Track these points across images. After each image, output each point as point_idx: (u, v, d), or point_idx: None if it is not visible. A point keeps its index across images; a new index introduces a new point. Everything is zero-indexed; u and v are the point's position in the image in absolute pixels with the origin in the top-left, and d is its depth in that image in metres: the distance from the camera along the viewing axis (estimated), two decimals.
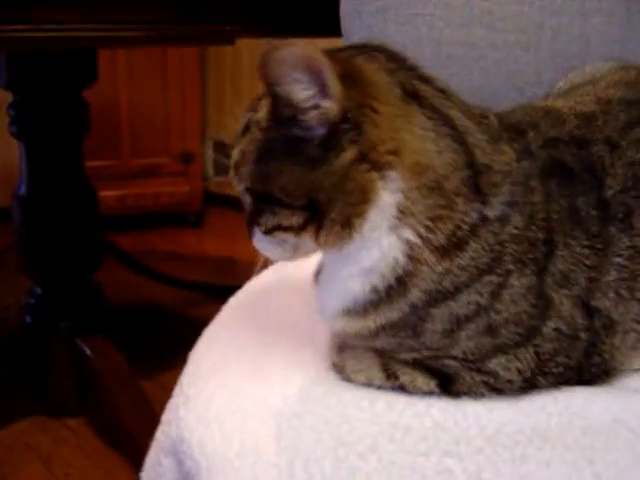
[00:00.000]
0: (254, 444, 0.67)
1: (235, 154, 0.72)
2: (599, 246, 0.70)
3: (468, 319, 0.68)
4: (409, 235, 0.66)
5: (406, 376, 0.72)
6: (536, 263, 0.68)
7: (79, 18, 1.37)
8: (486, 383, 0.70)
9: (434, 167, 0.66)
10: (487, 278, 0.67)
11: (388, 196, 0.66)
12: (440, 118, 0.68)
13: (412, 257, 0.67)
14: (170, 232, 3.59)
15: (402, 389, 0.73)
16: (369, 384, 0.74)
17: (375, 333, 0.71)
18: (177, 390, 0.82)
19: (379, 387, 0.73)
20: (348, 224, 0.66)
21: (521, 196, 0.69)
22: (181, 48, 3.44)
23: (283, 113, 0.66)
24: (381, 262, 0.68)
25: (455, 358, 0.70)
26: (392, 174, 0.65)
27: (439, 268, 0.67)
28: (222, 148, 3.79)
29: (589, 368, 0.72)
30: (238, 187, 0.73)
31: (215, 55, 3.82)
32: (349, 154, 0.65)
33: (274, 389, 0.74)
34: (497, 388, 0.70)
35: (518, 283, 0.68)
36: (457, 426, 0.67)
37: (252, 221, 0.72)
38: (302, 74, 0.64)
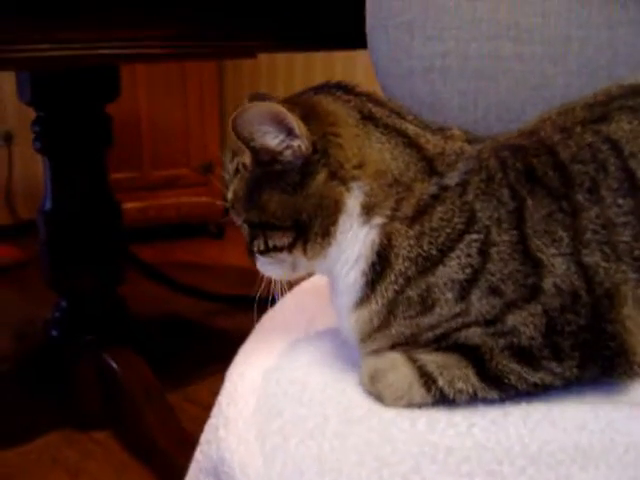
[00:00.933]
0: (296, 465, 0.68)
1: (230, 194, 0.82)
2: (567, 208, 0.74)
3: (470, 283, 0.73)
4: (378, 220, 0.76)
5: (443, 376, 0.74)
6: (511, 216, 0.74)
7: (99, 36, 1.38)
8: (511, 347, 0.73)
9: (391, 170, 0.77)
10: (468, 237, 0.73)
11: (352, 201, 0.77)
12: (392, 132, 0.79)
13: (385, 233, 0.76)
14: (192, 243, 3.60)
15: (443, 398, 0.74)
16: (410, 406, 0.75)
17: (386, 317, 0.77)
18: (216, 410, 0.83)
19: (420, 404, 0.75)
20: (327, 233, 0.78)
21: (476, 165, 0.77)
22: (200, 62, 3.46)
23: (263, 158, 0.78)
24: (363, 249, 0.77)
25: (476, 323, 0.74)
26: (357, 184, 0.77)
27: (411, 232, 0.75)
28: None
29: (605, 338, 0.73)
30: (237, 221, 0.83)
31: (233, 67, 3.85)
32: (321, 176, 0.77)
33: (314, 409, 0.74)
34: (522, 349, 0.72)
35: (500, 239, 0.73)
36: (499, 445, 0.67)
37: (252, 248, 0.82)
38: (269, 126, 0.76)
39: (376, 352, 0.79)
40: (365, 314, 0.78)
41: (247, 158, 0.79)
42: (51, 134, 1.93)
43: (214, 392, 2.31)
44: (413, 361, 0.76)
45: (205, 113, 3.59)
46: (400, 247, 0.76)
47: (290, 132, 0.76)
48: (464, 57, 1.11)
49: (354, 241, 0.78)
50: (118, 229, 2.06)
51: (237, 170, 0.81)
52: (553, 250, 0.73)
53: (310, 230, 0.78)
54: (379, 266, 0.77)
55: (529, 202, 0.74)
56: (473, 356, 0.74)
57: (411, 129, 0.81)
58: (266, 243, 0.80)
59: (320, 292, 0.87)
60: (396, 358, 0.78)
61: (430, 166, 0.78)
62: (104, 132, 1.97)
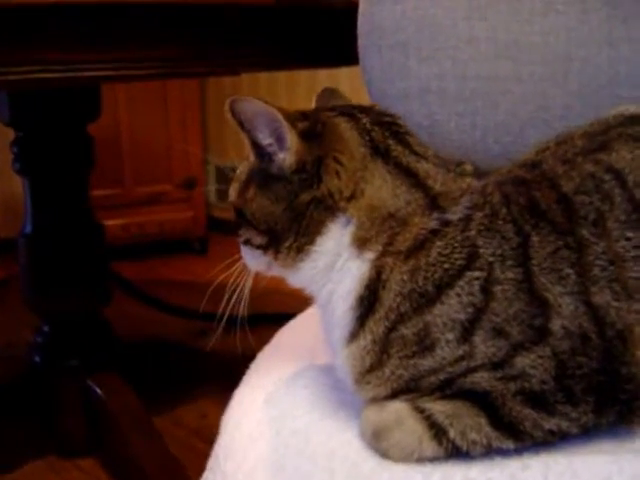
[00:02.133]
0: None
1: (238, 170, 0.82)
2: (573, 244, 0.71)
3: (472, 323, 0.70)
4: (370, 255, 0.74)
5: (454, 427, 0.70)
6: (515, 253, 0.71)
7: (82, 58, 1.35)
8: (523, 391, 0.69)
9: (386, 206, 0.74)
10: (469, 274, 0.70)
11: (338, 228, 0.75)
12: (401, 171, 0.76)
13: (376, 267, 0.73)
14: (175, 260, 3.56)
15: (456, 450, 0.70)
16: (422, 460, 0.71)
17: (379, 356, 0.73)
18: (212, 463, 0.78)
19: (432, 459, 0.71)
20: (301, 249, 0.76)
21: (480, 200, 0.74)
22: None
23: (257, 150, 0.78)
24: (353, 283, 0.74)
25: (482, 367, 0.70)
26: (344, 215, 0.75)
27: (404, 267, 0.72)
28: (224, 174, 3.70)
29: (620, 381, 0.69)
30: (229, 196, 0.83)
31: (215, 83, 3.82)
32: (304, 198, 0.76)
33: (319, 464, 0.70)
34: (535, 393, 0.69)
35: (504, 277, 0.70)
36: None
37: (235, 229, 0.82)
38: (263, 125, 0.76)
39: (375, 401, 0.75)
40: (356, 351, 0.75)
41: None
42: (31, 155, 1.90)
43: (202, 415, 2.27)
44: (420, 412, 0.72)
45: (187, 129, 3.56)
46: (391, 282, 0.73)
47: (280, 141, 0.76)
48: (461, 78, 1.08)
49: (345, 273, 0.76)
50: (101, 250, 2.03)
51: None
52: (560, 289, 0.69)
53: (282, 242, 0.77)
54: (367, 300, 0.74)
55: (534, 238, 0.71)
56: (484, 403, 0.70)
57: (423, 169, 0.78)
58: (245, 234, 0.80)
59: (315, 330, 0.85)
60: (401, 410, 0.73)
61: (432, 202, 0.75)
62: (85, 153, 1.93)
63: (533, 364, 0.69)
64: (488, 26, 1.07)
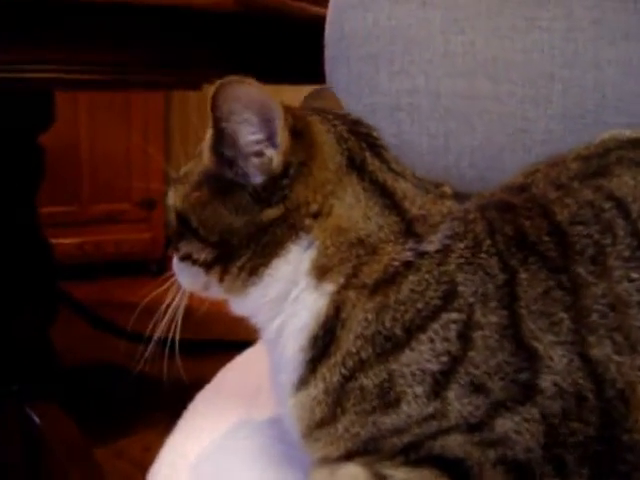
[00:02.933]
0: None
1: (182, 170, 0.72)
2: (567, 284, 0.62)
3: (446, 375, 0.60)
4: (330, 287, 0.64)
5: None
6: (500, 292, 0.62)
7: (33, 58, 1.25)
8: (504, 460, 0.59)
9: (356, 229, 0.65)
10: (445, 316, 0.61)
11: (298, 250, 0.65)
12: (376, 190, 0.67)
13: (336, 301, 0.64)
14: (131, 281, 3.45)
15: None
16: None
17: (331, 410, 0.63)
18: None
19: None
20: (254, 272, 0.66)
21: (462, 228, 0.66)
22: (145, 91, 3.32)
23: (224, 152, 0.66)
24: (307, 318, 0.65)
25: (456, 429, 0.60)
26: (306, 236, 0.65)
27: (369, 304, 0.63)
28: None
29: (621, 450, 0.60)
30: (168, 200, 0.72)
31: (180, 98, 3.73)
32: (275, 211, 0.65)
33: None
34: (519, 463, 0.59)
35: (486, 321, 0.61)
36: None
37: (172, 242, 0.72)
38: (254, 116, 0.64)
39: (326, 461, 0.65)
40: (304, 400, 0.65)
41: (206, 143, 0.68)
42: None
43: (146, 447, 2.17)
44: (379, 479, 0.62)
45: (149, 145, 3.45)
46: (352, 321, 0.63)
47: (270, 137, 0.65)
48: (435, 95, 1.02)
49: (299, 306, 0.66)
50: (47, 269, 1.94)
51: (201, 151, 0.71)
52: (551, 337, 0.60)
53: (234, 261, 0.67)
54: (322, 341, 0.64)
55: (522, 275, 0.63)
56: (457, 472, 0.60)
57: (401, 188, 0.69)
58: (185, 247, 0.70)
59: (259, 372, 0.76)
60: (356, 476, 0.63)
61: (408, 228, 0.66)
62: (35, 165, 1.84)
63: (517, 428, 0.59)
64: (466, 40, 1.01)
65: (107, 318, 2.69)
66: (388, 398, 0.61)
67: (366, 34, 1.03)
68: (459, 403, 0.60)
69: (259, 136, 0.65)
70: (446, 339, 0.61)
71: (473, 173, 1.01)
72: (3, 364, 1.88)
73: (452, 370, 0.60)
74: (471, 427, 0.60)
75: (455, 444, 0.60)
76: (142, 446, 2.00)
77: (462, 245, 0.64)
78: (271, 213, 0.65)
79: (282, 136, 0.64)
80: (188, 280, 0.72)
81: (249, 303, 0.69)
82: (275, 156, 0.64)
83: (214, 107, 0.64)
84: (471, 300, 0.62)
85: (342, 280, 0.64)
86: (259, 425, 0.78)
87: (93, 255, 3.35)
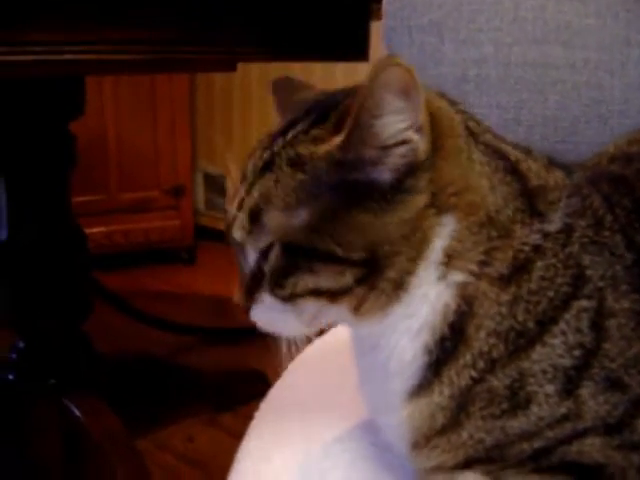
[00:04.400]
0: None
1: (250, 200, 0.60)
2: None
3: (580, 371, 0.56)
4: (459, 277, 0.58)
5: None
6: (630, 274, 0.58)
7: (65, 38, 1.22)
8: None
9: (486, 205, 0.59)
10: (576, 304, 0.57)
11: (438, 243, 0.58)
12: (493, 152, 0.62)
13: (466, 296, 0.58)
14: (162, 270, 3.46)
15: None
16: None
17: (455, 416, 0.58)
18: None
19: None
20: (401, 283, 0.57)
21: (579, 204, 0.61)
22: (170, 79, 3.34)
23: (364, 154, 0.56)
24: (431, 316, 0.58)
25: (594, 431, 0.56)
26: (449, 218, 0.58)
27: (503, 297, 0.57)
28: (213, 181, 3.72)
29: None
30: (252, 243, 0.61)
31: (205, 86, 3.75)
32: (422, 198, 0.57)
33: None
34: None
35: (619, 307, 0.57)
36: None
37: (276, 287, 0.60)
38: (403, 102, 0.55)
39: (439, 470, 0.60)
40: (424, 408, 0.59)
41: (322, 149, 0.58)
42: (7, 154, 1.77)
43: (188, 437, 2.16)
44: None
45: (176, 133, 3.45)
46: (485, 317, 0.57)
47: (417, 121, 0.57)
48: (504, 64, 0.96)
49: (421, 302, 0.58)
50: (83, 260, 1.90)
51: (268, 165, 0.60)
52: None
53: (384, 272, 0.57)
54: (451, 342, 0.58)
55: None
56: (590, 474, 0.55)
57: (510, 151, 0.63)
58: (307, 281, 0.58)
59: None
60: None
61: (530, 203, 0.60)
62: (67, 153, 1.79)
63: None
64: (536, 5, 0.95)
65: (140, 308, 2.68)
66: (517, 400, 0.56)
67: (428, 1, 0.98)
68: (594, 402, 0.55)
69: (407, 123, 0.56)
70: (578, 330, 0.56)
71: (545, 146, 0.93)
72: (40, 358, 1.88)
73: (586, 365, 0.56)
74: (610, 428, 0.55)
75: (593, 448, 0.55)
76: (184, 437, 2.01)
77: (583, 223, 0.59)
78: (420, 201, 0.57)
79: (424, 118, 0.57)
80: (286, 323, 0.62)
81: (384, 327, 0.60)
82: (420, 141, 0.57)
83: (366, 101, 0.55)
84: (601, 284, 0.57)
85: (474, 268, 0.58)
86: (355, 431, 0.73)
87: (123, 244, 3.35)
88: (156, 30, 1.28)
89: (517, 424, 0.56)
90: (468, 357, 0.57)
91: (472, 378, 0.57)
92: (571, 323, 0.56)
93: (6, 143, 1.75)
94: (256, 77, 3.40)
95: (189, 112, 3.58)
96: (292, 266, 0.59)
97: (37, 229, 1.80)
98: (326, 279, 0.58)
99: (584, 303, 0.57)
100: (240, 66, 1.48)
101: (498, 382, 0.57)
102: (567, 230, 0.59)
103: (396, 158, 0.57)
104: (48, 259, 1.81)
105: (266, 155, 0.61)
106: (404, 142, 0.56)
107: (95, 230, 2.96)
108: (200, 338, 2.55)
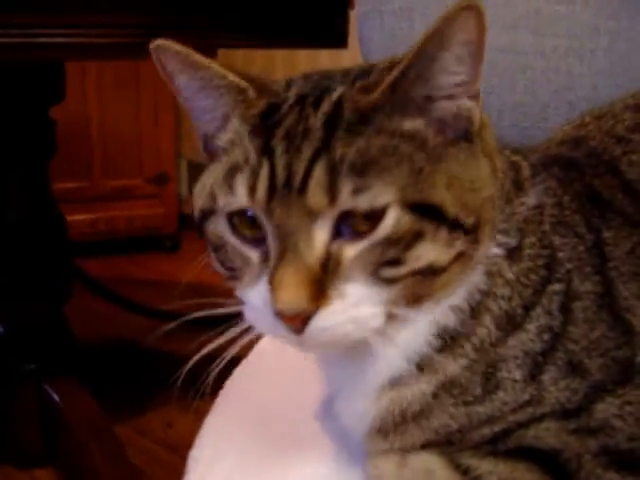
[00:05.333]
0: None
1: (352, 152, 0.52)
2: None
3: (545, 356, 0.55)
4: (494, 250, 0.56)
5: None
6: (592, 255, 0.57)
7: (45, 22, 1.22)
8: (606, 450, 0.54)
9: (497, 169, 0.58)
10: (550, 288, 0.56)
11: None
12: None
13: (489, 273, 0.56)
14: (145, 258, 3.45)
15: None
16: None
17: (429, 403, 0.56)
18: None
19: None
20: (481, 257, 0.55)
21: (542, 184, 0.60)
22: (154, 65, 3.26)
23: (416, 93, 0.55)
24: (462, 296, 0.56)
25: (552, 415, 0.54)
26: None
27: (510, 275, 0.56)
28: (197, 169, 3.65)
29: None
30: (343, 205, 0.51)
31: None
32: (486, 163, 0.57)
33: None
34: (623, 454, 0.54)
35: (583, 289, 0.56)
36: None
37: (365, 269, 0.52)
38: (467, 50, 0.56)
39: (390, 452, 0.59)
40: (406, 395, 0.57)
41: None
42: None
43: (167, 423, 2.16)
44: (462, 471, 0.56)
45: (159, 120, 3.44)
46: (497, 298, 0.56)
47: (471, 79, 0.57)
48: None
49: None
50: (62, 245, 1.91)
51: (366, 117, 0.54)
52: None
53: (480, 242, 0.55)
54: (466, 327, 0.55)
55: (606, 234, 0.58)
56: (551, 465, 0.54)
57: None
58: (425, 254, 0.52)
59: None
60: (432, 465, 0.57)
61: (516, 176, 0.61)
62: (47, 138, 1.81)
63: (619, 412, 0.54)
64: None
65: (122, 295, 2.69)
66: (488, 387, 0.55)
67: None
68: (555, 387, 0.54)
69: (462, 78, 0.56)
70: (549, 313, 0.55)
71: (514, 132, 0.96)
72: (20, 343, 1.88)
73: (552, 349, 0.55)
74: (567, 413, 0.54)
75: (549, 433, 0.55)
76: (163, 421, 2.03)
77: (549, 201, 0.59)
78: (485, 165, 0.56)
79: (478, 86, 0.56)
80: (365, 324, 0.53)
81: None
82: (475, 108, 0.56)
83: (438, 29, 0.54)
84: (569, 266, 0.56)
85: (500, 238, 0.57)
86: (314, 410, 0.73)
87: (105, 232, 3.35)
88: (137, 15, 1.28)
89: (482, 409, 0.55)
90: (468, 346, 0.55)
91: (462, 367, 0.55)
92: (545, 306, 0.55)
93: None
94: (239, 64, 3.42)
95: (172, 99, 3.56)
96: (417, 234, 0.52)
97: (17, 214, 1.81)
98: (441, 252, 0.52)
99: (556, 286, 0.56)
100: (223, 53, 1.48)
101: (477, 368, 0.55)
102: (540, 207, 0.58)
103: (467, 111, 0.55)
104: (27, 244, 1.82)
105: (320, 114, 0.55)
106: (453, 97, 0.55)
107: (78, 217, 2.96)
108: (181, 325, 2.57)
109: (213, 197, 0.58)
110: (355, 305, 0.51)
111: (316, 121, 0.54)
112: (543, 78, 0.96)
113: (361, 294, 0.51)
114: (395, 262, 0.51)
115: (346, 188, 0.50)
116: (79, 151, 3.16)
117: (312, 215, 0.51)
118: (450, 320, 0.55)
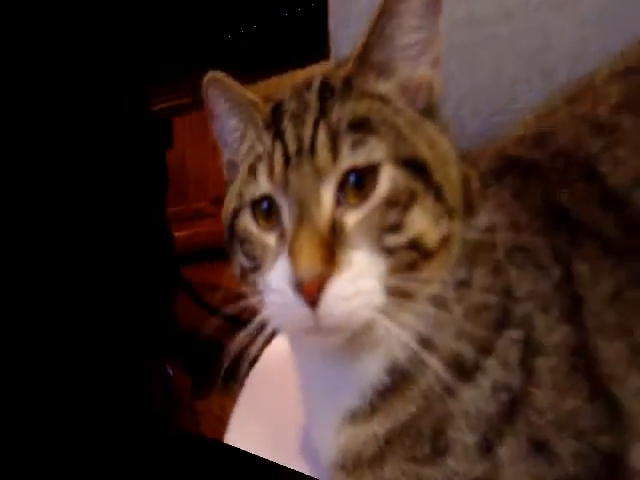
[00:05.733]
0: None
1: (345, 114, 0.53)
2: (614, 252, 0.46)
3: (503, 421, 0.45)
4: (447, 275, 0.49)
5: None
6: (559, 295, 0.46)
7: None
8: None
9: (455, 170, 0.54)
10: (506, 333, 0.47)
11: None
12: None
13: (439, 303, 0.49)
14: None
15: None
16: None
17: (381, 450, 0.51)
18: None
19: None
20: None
21: (494, 200, 0.52)
22: None
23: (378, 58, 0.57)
24: (414, 322, 0.49)
25: None
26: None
27: (457, 310, 0.48)
28: None
29: None
30: (344, 162, 0.52)
31: None
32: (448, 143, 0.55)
33: None
34: None
35: (549, 340, 0.45)
36: None
37: (370, 234, 0.50)
38: (423, 11, 0.54)
39: None
40: (360, 434, 0.52)
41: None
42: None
43: (222, 407, 2.37)
44: None
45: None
46: (444, 337, 0.47)
47: (430, 40, 0.54)
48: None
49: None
50: (171, 256, 2.18)
51: (334, 90, 0.56)
52: (636, 379, 0.42)
53: (455, 226, 0.50)
54: (414, 366, 0.49)
55: (579, 267, 0.45)
56: None
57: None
58: (425, 220, 0.48)
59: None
60: None
61: (466, 192, 0.52)
62: (164, 175, 2.11)
63: None
64: None
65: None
66: (437, 445, 0.47)
67: None
68: (514, 468, 0.43)
69: (422, 36, 0.51)
70: (507, 365, 0.45)
71: (477, 123, 0.79)
72: (146, 335, 2.09)
73: (510, 414, 0.44)
74: None
75: None
76: (220, 406, 2.20)
77: (502, 221, 0.49)
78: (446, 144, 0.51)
79: (439, 53, 0.51)
80: (387, 287, 0.48)
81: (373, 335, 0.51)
82: (436, 77, 0.54)
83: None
84: (528, 308, 0.46)
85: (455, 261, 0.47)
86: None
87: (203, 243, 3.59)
88: None
89: (432, 473, 0.47)
90: (416, 390, 0.49)
91: (410, 414, 0.49)
92: (500, 356, 0.46)
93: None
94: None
95: None
96: (412, 195, 0.47)
97: (142, 235, 2.05)
98: (430, 222, 0.48)
99: (513, 333, 0.46)
100: None
101: (427, 420, 0.48)
102: (492, 229, 0.49)
103: (411, 81, 0.52)
104: (151, 257, 2.08)
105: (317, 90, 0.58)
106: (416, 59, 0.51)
107: (182, 233, 3.20)
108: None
109: (241, 195, 0.61)
110: (360, 275, 0.48)
111: (311, 97, 0.58)
112: (510, 47, 0.79)
113: (365, 263, 0.49)
114: (395, 228, 0.49)
115: (345, 144, 0.52)
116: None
117: (321, 175, 0.52)
118: (400, 354, 0.49)
